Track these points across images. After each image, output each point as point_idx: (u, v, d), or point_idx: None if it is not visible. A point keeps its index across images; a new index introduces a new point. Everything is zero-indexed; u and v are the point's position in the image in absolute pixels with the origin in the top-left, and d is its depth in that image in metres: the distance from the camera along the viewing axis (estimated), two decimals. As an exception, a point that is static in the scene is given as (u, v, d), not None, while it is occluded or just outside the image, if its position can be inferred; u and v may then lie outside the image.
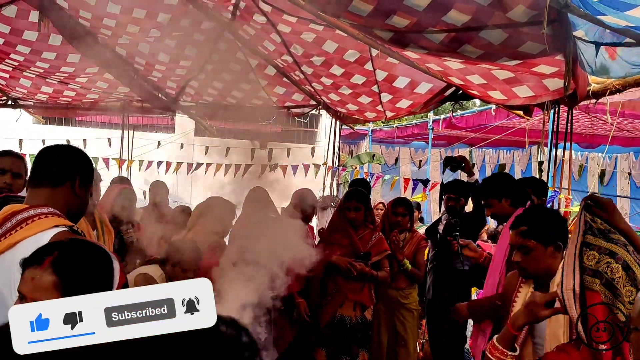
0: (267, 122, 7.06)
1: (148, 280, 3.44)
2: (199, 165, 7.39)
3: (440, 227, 5.10)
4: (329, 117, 6.66)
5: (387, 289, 4.78)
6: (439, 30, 3.19)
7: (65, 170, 1.96)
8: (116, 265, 1.46)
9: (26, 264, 1.40)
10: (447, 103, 4.89)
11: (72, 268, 1.37)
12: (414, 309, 4.93)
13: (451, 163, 4.82)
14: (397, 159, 10.51)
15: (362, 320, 4.37)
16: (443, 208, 5.21)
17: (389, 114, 5.31)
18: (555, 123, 4.44)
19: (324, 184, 6.62)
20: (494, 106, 7.97)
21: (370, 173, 8.01)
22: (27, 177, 3.09)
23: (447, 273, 4.93)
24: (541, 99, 3.95)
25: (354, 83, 4.90)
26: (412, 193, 6.87)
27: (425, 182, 6.02)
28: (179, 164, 7.55)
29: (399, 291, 4.84)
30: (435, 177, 13.23)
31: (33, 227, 1.76)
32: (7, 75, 6.20)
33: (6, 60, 5.67)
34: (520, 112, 4.66)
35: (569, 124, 4.22)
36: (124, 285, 1.49)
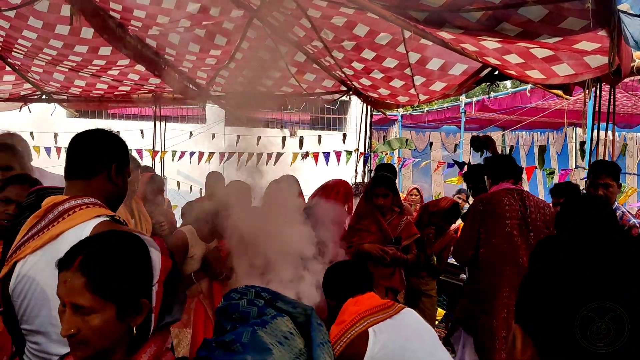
0: (297, 110, 7.00)
1: (177, 234, 3.72)
2: (230, 154, 7.40)
3: None
4: (359, 103, 6.58)
5: (411, 277, 4.81)
6: (476, 9, 3.09)
7: (100, 160, 1.93)
8: (155, 252, 1.42)
9: (60, 266, 1.40)
10: (481, 85, 4.77)
11: (99, 268, 1.35)
12: (433, 295, 4.98)
13: (475, 143, 4.67)
14: (431, 144, 10.31)
15: None
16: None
17: (422, 97, 5.21)
18: (597, 102, 4.29)
19: (355, 170, 6.55)
20: (529, 87, 7.80)
21: (403, 158, 7.90)
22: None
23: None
24: (582, 77, 3.81)
25: (385, 67, 4.81)
26: (444, 176, 6.74)
27: (461, 165, 5.86)
28: (211, 154, 7.57)
29: (420, 279, 4.90)
30: (467, 160, 13.04)
31: (75, 218, 1.75)
32: (41, 70, 6.28)
33: (39, 55, 5.74)
34: (560, 92, 4.51)
35: (612, 102, 4.06)
36: (171, 270, 1.44)
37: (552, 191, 4.99)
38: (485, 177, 4.50)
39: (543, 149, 8.56)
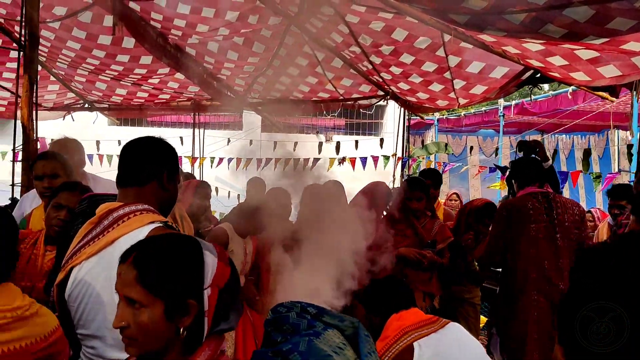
0: (332, 116, 7.00)
1: (218, 230, 3.86)
2: (268, 160, 7.44)
3: None
4: (395, 107, 6.54)
5: (450, 284, 4.66)
6: (519, 11, 3.04)
7: (153, 167, 1.95)
8: (210, 256, 1.43)
9: (119, 260, 1.44)
10: (523, 87, 4.69)
11: (151, 262, 1.39)
12: (477, 304, 4.81)
13: (523, 148, 4.56)
14: (471, 148, 10.15)
15: (431, 310, 4.36)
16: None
17: (462, 101, 5.15)
18: (644, 104, 4.16)
19: (393, 175, 6.50)
20: (570, 89, 7.61)
21: (443, 163, 7.80)
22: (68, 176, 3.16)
23: None
24: (629, 78, 3.70)
25: (424, 71, 4.77)
26: (482, 182, 6.59)
27: (503, 169, 5.71)
28: (248, 160, 7.63)
29: (462, 286, 4.72)
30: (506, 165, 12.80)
31: (130, 225, 1.78)
32: (84, 79, 6.44)
33: (82, 65, 5.90)
34: (605, 94, 4.40)
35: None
36: (229, 278, 1.45)
37: (610, 193, 4.91)
38: (512, 181, 4.45)
39: (588, 153, 8.33)
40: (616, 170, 12.76)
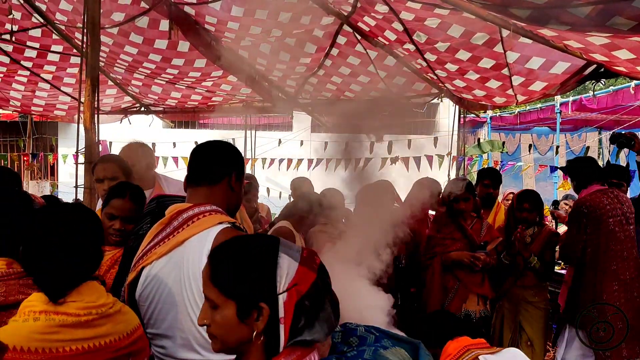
0: (384, 114, 6.94)
1: (283, 230, 3.90)
2: (319, 161, 7.44)
3: None
4: (450, 105, 6.42)
5: (513, 288, 4.54)
6: (585, 3, 2.91)
7: (222, 168, 2.00)
8: (286, 259, 1.38)
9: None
10: (585, 83, 4.53)
11: (222, 261, 1.38)
12: (544, 307, 4.58)
13: (619, 140, 4.47)
14: (530, 146, 9.89)
15: (485, 314, 4.34)
16: None
17: (521, 98, 5.00)
18: None
19: (448, 175, 6.39)
20: (633, 84, 7.30)
21: (501, 162, 7.60)
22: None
23: None
24: (703, 71, 3.51)
25: (481, 67, 4.66)
26: (537, 180, 6.36)
27: (565, 169, 5.50)
28: (299, 161, 7.66)
29: (526, 289, 4.54)
30: (562, 164, 12.40)
31: (199, 225, 1.81)
32: (140, 83, 6.59)
33: (139, 69, 6.03)
34: (674, 88, 4.18)
35: None
36: (314, 284, 1.38)
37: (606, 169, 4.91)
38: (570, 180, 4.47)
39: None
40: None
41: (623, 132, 4.58)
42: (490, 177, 4.97)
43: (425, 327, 2.74)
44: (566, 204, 7.66)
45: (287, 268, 1.38)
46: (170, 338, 1.82)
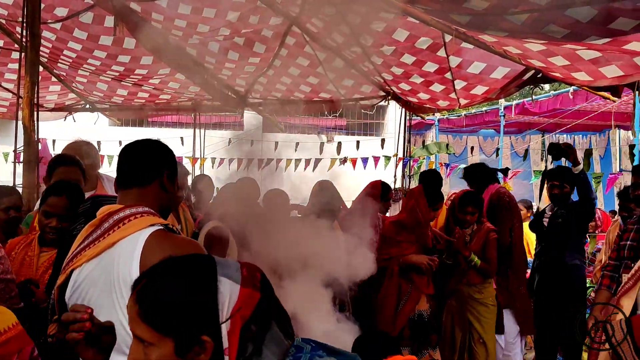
0: (334, 116, 6.98)
1: (221, 231, 3.61)
2: (269, 161, 7.44)
3: (546, 220, 4.80)
4: (396, 108, 6.54)
5: (460, 285, 4.58)
6: (521, 11, 3.04)
7: (152, 168, 1.92)
8: (227, 283, 1.23)
9: (131, 291, 1.29)
10: (524, 88, 4.70)
11: (153, 296, 1.22)
12: (490, 304, 4.61)
13: (554, 151, 4.55)
14: (472, 148, 10.15)
15: (431, 311, 4.38)
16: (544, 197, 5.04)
17: (463, 102, 5.14)
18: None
19: (394, 176, 6.50)
20: (571, 89, 7.61)
21: (446, 164, 7.79)
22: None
23: (556, 268, 4.63)
24: (632, 79, 3.70)
25: (425, 71, 4.77)
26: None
27: (504, 171, 5.74)
28: (249, 161, 7.63)
29: (472, 287, 4.57)
30: (506, 166, 12.79)
31: (130, 227, 1.76)
32: (85, 80, 6.44)
33: (84, 66, 5.89)
34: (606, 94, 4.40)
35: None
36: (258, 306, 1.24)
37: (547, 173, 4.91)
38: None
39: (589, 153, 8.34)
40: (617, 170, 12.75)
41: (559, 143, 4.67)
42: (431, 179, 5.01)
43: (360, 346, 2.78)
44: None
45: (228, 293, 1.24)
46: None
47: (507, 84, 4.62)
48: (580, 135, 15.58)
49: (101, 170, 4.03)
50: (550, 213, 4.78)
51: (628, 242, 3.80)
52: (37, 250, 2.60)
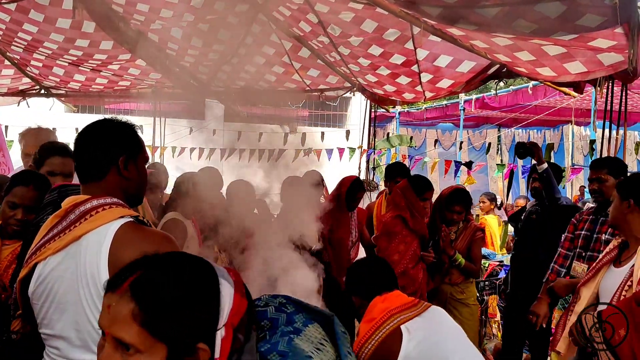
0: (297, 106, 6.94)
1: (178, 224, 3.60)
2: (232, 151, 7.34)
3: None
4: (361, 99, 6.54)
5: (441, 284, 4.49)
6: (493, 5, 3.05)
7: (104, 157, 1.78)
8: (226, 286, 1.15)
9: (107, 286, 1.11)
10: (488, 82, 4.76)
11: (156, 292, 1.07)
12: (472, 304, 4.54)
13: (520, 150, 4.55)
14: (436, 141, 10.28)
15: None
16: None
17: (429, 95, 5.17)
18: (609, 100, 4.26)
19: (359, 167, 6.51)
20: (531, 84, 7.77)
21: (409, 156, 7.85)
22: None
23: (528, 264, 4.64)
24: (594, 75, 3.79)
25: (393, 63, 4.77)
26: (455, 176, 6.66)
27: (468, 165, 5.80)
28: (211, 150, 7.51)
29: (454, 286, 4.49)
30: (464, 159, 13.03)
31: (98, 219, 1.67)
32: (41, 64, 6.19)
33: (39, 49, 5.66)
34: (568, 90, 4.49)
35: (624, 101, 4.04)
36: (245, 314, 1.16)
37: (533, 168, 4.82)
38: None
39: (550, 147, 8.54)
40: (570, 164, 13.15)
41: (524, 142, 4.67)
42: (399, 172, 5.00)
43: (356, 275, 2.71)
44: (483, 202, 8.05)
45: (228, 297, 1.16)
46: (65, 339, 1.68)
47: (472, 77, 4.66)
48: (535, 130, 15.99)
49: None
50: (530, 207, 4.81)
51: (582, 232, 3.92)
52: (0, 243, 2.47)
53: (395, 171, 5.04)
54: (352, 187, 4.68)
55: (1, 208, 2.53)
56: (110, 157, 1.78)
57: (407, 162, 7.50)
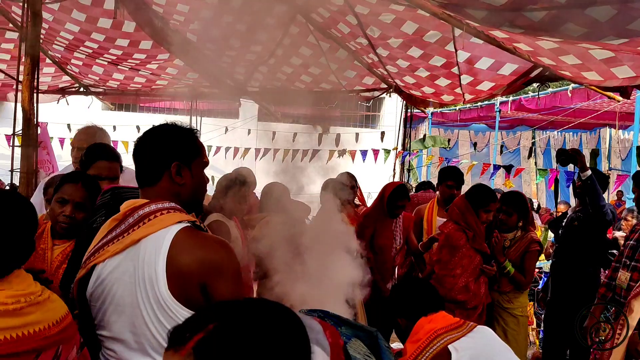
0: (330, 107, 6.92)
1: (221, 226, 3.63)
2: (266, 150, 7.36)
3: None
4: (397, 101, 6.48)
5: (490, 292, 4.24)
6: (541, 8, 2.98)
7: (158, 162, 1.78)
8: (320, 355, 0.96)
9: (169, 341, 0.90)
10: (531, 85, 4.67)
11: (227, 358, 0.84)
12: (519, 315, 4.30)
13: (562, 157, 4.29)
14: (474, 144, 10.12)
15: None
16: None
17: (468, 97, 5.10)
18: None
19: (394, 169, 6.46)
20: (570, 87, 7.61)
21: (446, 158, 7.74)
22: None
23: (570, 272, 4.49)
24: (642, 80, 3.68)
25: (432, 65, 4.72)
26: (490, 178, 6.52)
27: (508, 168, 5.64)
28: (246, 150, 7.54)
29: (502, 295, 4.26)
30: (497, 161, 12.82)
31: (155, 224, 1.67)
32: (81, 63, 6.31)
33: (80, 48, 5.76)
34: (612, 94, 4.38)
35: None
36: None
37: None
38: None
39: (595, 153, 8.33)
40: (606, 168, 12.84)
41: (567, 149, 4.45)
42: (454, 178, 4.77)
43: (400, 298, 2.70)
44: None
45: (321, 348, 1.00)
46: (122, 342, 1.70)
47: (513, 80, 4.58)
48: (571, 133, 15.67)
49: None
50: (572, 213, 4.66)
51: (630, 242, 3.81)
52: (50, 243, 2.50)
53: (448, 174, 4.83)
54: (394, 194, 4.55)
55: (50, 207, 2.57)
56: (163, 163, 1.78)
57: (443, 164, 7.40)
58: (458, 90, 5.03)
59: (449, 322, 2.49)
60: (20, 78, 4.04)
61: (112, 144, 3.75)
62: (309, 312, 1.68)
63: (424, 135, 11.31)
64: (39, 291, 1.67)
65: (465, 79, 4.79)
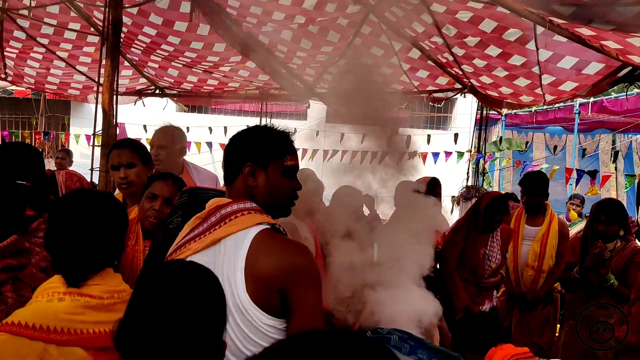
0: (400, 108, 6.77)
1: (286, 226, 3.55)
2: (334, 152, 7.31)
3: None
4: (473, 101, 6.28)
5: (585, 305, 3.95)
6: (635, 3, 2.78)
7: (233, 164, 1.79)
8: None
9: None
10: (618, 85, 4.38)
11: None
12: None
13: None
14: (554, 148, 9.70)
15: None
16: None
17: (549, 98, 4.85)
18: None
19: (467, 172, 6.25)
20: (659, 87, 7.12)
21: (524, 162, 7.42)
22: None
23: None
24: None
25: (511, 64, 4.52)
26: (576, 186, 6.18)
27: (592, 174, 5.28)
28: (314, 152, 7.52)
29: (600, 308, 3.88)
30: (575, 166, 12.24)
31: (236, 224, 1.68)
32: (157, 66, 6.48)
33: (157, 51, 5.91)
34: None
35: None
36: None
37: None
38: None
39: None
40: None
41: None
42: (536, 181, 4.64)
43: (467, 331, 2.63)
44: (572, 204, 7.57)
45: None
46: None
47: (599, 80, 4.32)
48: (657, 136, 14.75)
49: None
50: None
51: None
52: (142, 246, 2.55)
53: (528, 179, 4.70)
54: (492, 206, 4.21)
55: (140, 205, 2.63)
56: (237, 164, 1.79)
57: (520, 168, 7.11)
58: (538, 90, 4.79)
59: (520, 350, 2.38)
60: (101, 80, 4.16)
61: (186, 144, 3.83)
62: (394, 329, 1.63)
63: (500, 138, 10.91)
64: (127, 289, 1.73)
65: (547, 79, 4.56)
